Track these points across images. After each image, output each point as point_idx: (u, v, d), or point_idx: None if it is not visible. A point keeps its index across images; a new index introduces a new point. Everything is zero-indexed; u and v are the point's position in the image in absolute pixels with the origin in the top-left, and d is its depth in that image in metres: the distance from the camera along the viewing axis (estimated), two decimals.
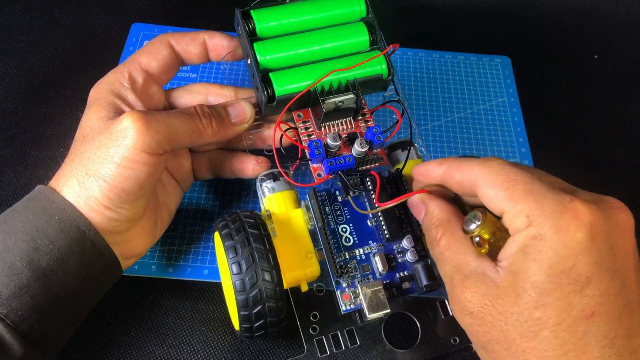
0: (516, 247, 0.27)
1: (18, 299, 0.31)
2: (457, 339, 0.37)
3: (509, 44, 0.59)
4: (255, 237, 0.33)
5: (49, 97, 0.50)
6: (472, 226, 0.30)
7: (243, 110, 0.38)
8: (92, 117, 0.35)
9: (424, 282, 0.35)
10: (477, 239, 0.29)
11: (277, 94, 0.36)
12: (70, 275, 0.32)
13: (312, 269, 0.35)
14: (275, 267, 0.33)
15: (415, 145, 0.40)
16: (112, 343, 0.38)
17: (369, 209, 0.37)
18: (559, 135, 0.53)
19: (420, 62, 0.56)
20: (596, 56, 0.59)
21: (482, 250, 0.29)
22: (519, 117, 0.52)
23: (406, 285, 0.36)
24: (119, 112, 0.35)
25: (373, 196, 0.36)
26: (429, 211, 0.32)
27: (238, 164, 0.41)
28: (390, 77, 0.38)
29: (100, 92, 0.36)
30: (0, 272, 0.31)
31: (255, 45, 0.37)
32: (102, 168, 0.33)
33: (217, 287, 0.40)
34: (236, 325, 0.36)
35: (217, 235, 0.36)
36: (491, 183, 0.29)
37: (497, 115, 0.52)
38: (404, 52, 0.56)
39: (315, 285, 0.37)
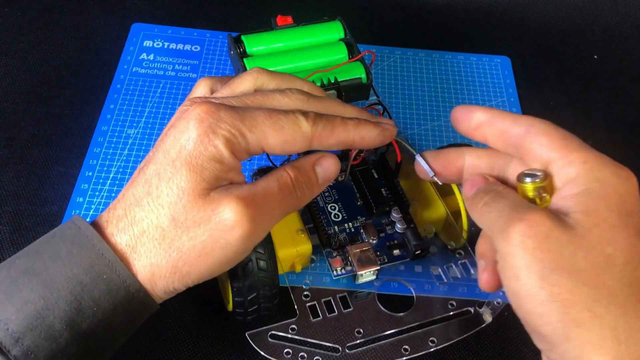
0: (579, 189, 0.27)
1: None
2: (454, 303, 0.38)
3: (509, 44, 0.59)
4: None
5: (49, 96, 0.50)
6: (528, 180, 0.28)
7: (332, 169, 0.33)
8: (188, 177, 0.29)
9: (413, 242, 0.36)
10: (538, 191, 0.28)
11: None
12: (112, 335, 0.29)
13: (304, 246, 0.37)
14: (272, 257, 0.33)
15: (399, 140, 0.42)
16: None
17: (357, 194, 0.39)
18: None
19: (420, 62, 0.56)
20: (596, 56, 0.59)
21: (537, 201, 0.28)
22: None
23: (397, 252, 0.37)
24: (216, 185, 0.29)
25: (360, 178, 0.39)
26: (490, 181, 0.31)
27: None
28: (369, 82, 0.40)
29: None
30: (38, 335, 0.27)
31: (245, 60, 0.40)
32: (191, 274, 0.29)
33: (216, 286, 0.40)
34: (228, 306, 0.36)
35: None
36: (547, 131, 0.29)
37: None
38: (404, 52, 0.56)
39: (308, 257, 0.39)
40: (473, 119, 0.32)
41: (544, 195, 0.28)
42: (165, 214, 0.28)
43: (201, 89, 0.34)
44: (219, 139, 0.29)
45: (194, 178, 0.28)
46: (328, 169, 0.32)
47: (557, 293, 0.25)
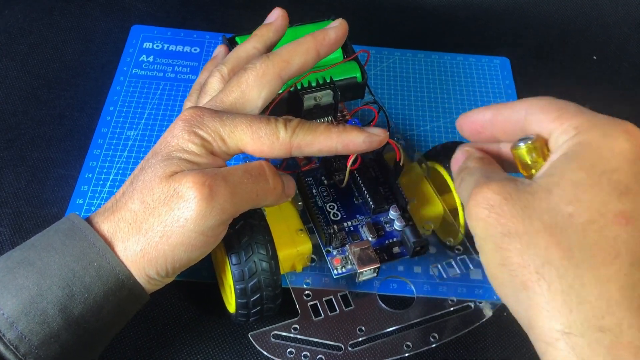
0: (558, 155, 0.27)
1: (47, 348, 0.28)
2: (454, 299, 0.38)
3: (508, 45, 0.59)
4: (255, 227, 0.33)
5: (49, 99, 0.50)
6: (522, 143, 0.29)
7: (293, 184, 0.35)
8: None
9: (412, 239, 0.36)
10: (532, 154, 0.28)
11: None
12: (102, 323, 0.30)
13: (304, 246, 0.37)
14: (274, 257, 0.33)
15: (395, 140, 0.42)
16: (110, 344, 0.38)
17: (355, 192, 0.40)
18: None
19: (420, 63, 0.56)
20: (595, 57, 0.59)
21: (532, 170, 0.28)
22: None
23: (396, 249, 0.37)
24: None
25: (358, 177, 0.39)
26: (469, 152, 0.32)
27: None
28: (364, 81, 0.40)
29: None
30: (32, 319, 0.28)
31: None
32: (158, 259, 0.30)
33: (216, 288, 0.40)
34: (230, 308, 0.36)
35: None
36: (542, 108, 0.28)
37: None
38: (403, 54, 0.56)
39: (308, 257, 0.39)
40: (477, 124, 0.32)
41: (538, 159, 0.28)
42: (137, 198, 0.30)
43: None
44: (197, 137, 0.31)
45: (166, 164, 0.30)
46: (291, 182, 0.35)
47: (507, 257, 0.25)
